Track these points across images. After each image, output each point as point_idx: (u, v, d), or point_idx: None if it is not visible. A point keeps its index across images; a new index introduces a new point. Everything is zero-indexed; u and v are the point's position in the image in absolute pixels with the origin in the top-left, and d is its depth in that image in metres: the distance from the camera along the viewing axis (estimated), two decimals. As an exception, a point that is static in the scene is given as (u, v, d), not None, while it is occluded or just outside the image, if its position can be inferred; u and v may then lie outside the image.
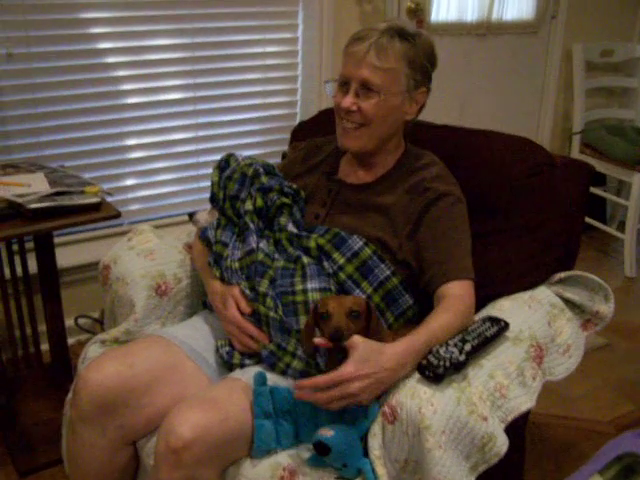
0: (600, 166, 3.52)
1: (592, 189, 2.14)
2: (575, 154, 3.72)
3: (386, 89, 1.53)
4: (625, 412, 2.41)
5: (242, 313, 1.52)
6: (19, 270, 2.21)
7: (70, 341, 2.49)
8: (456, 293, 1.45)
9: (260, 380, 1.37)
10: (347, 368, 1.25)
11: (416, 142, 1.72)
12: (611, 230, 3.74)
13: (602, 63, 3.78)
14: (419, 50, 1.55)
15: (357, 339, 1.29)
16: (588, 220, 3.66)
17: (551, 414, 2.36)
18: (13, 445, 2.12)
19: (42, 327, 2.28)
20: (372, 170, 1.66)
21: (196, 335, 1.61)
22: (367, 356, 1.26)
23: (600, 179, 3.81)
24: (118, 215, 1.91)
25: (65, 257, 2.52)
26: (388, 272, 1.53)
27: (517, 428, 1.43)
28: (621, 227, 3.70)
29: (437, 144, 1.76)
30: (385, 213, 1.59)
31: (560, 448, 2.22)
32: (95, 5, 2.45)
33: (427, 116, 1.69)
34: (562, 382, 1.52)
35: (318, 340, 1.35)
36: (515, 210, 1.64)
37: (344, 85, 1.58)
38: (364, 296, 1.51)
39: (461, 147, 1.77)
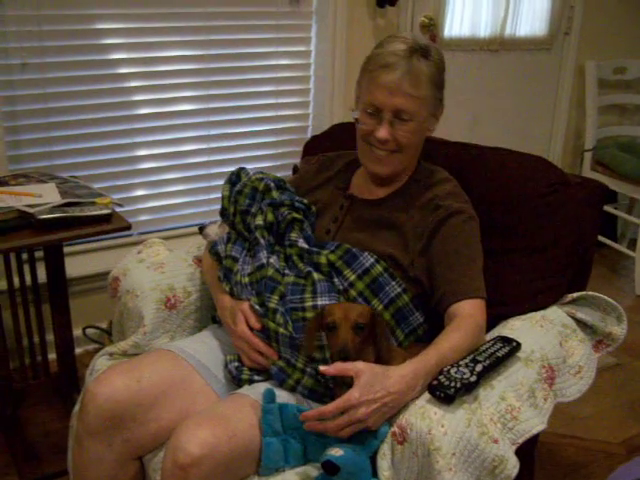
0: (611, 183, 3.49)
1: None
2: (586, 171, 3.71)
3: (418, 114, 1.53)
4: (636, 433, 2.38)
5: (252, 329, 1.51)
6: (28, 279, 2.21)
7: (78, 351, 2.49)
8: (467, 312, 1.43)
9: (269, 397, 1.36)
10: (352, 394, 1.24)
11: (429, 159, 1.72)
12: (622, 248, 3.71)
13: (615, 80, 3.77)
14: (438, 67, 1.56)
15: (361, 365, 1.27)
16: (599, 238, 3.63)
17: (560, 434, 2.34)
18: (18, 455, 2.11)
19: (50, 336, 2.28)
20: (385, 186, 1.66)
21: (205, 350, 1.60)
22: (372, 381, 1.25)
23: (611, 196, 3.79)
24: (129, 227, 1.91)
25: (74, 267, 2.53)
26: (399, 289, 1.52)
27: (527, 449, 1.41)
28: (632, 245, 3.69)
29: (450, 161, 1.75)
30: (397, 229, 1.58)
31: (569, 469, 2.19)
32: (109, 16, 2.46)
33: (439, 131, 1.68)
34: (571, 401, 1.50)
35: (325, 369, 1.30)
36: (528, 229, 1.63)
37: (374, 114, 1.56)
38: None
39: (474, 165, 1.76)
